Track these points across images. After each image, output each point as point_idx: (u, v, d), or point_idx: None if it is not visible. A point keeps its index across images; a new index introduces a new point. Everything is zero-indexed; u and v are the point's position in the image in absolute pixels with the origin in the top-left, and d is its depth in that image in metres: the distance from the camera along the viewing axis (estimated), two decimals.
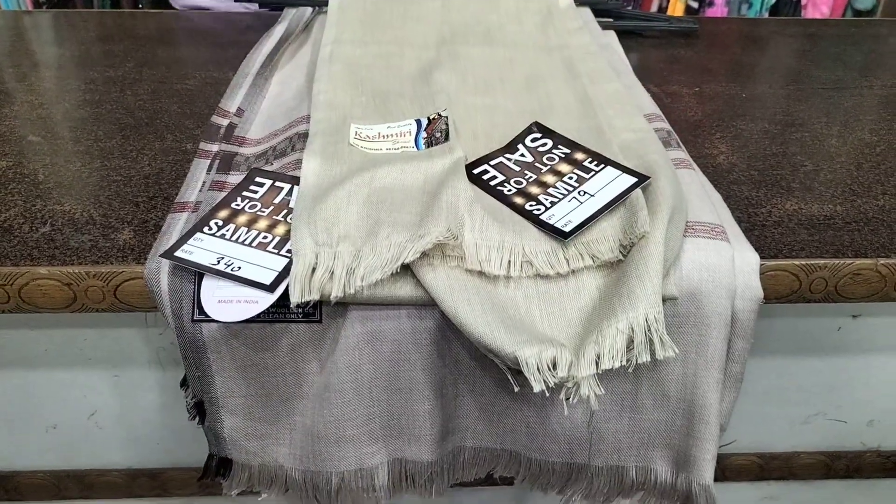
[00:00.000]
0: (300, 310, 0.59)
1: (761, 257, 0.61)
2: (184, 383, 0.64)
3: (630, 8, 1.96)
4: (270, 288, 0.56)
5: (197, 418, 0.65)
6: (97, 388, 0.75)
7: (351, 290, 0.54)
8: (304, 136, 0.72)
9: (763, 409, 0.81)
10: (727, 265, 0.59)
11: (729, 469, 0.85)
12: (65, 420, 0.78)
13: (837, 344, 0.76)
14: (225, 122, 0.79)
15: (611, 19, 1.07)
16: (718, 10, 2.00)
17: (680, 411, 0.62)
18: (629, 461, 0.65)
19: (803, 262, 0.62)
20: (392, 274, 0.55)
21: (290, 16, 1.03)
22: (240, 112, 0.81)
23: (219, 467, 0.66)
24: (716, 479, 0.85)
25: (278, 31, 0.99)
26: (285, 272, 0.57)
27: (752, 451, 0.84)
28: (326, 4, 1.01)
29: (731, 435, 0.83)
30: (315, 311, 0.59)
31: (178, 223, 0.64)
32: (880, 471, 0.86)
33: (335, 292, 0.54)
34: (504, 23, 0.97)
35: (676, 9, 2.03)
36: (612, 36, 1.03)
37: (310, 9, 1.04)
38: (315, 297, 0.54)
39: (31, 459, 0.81)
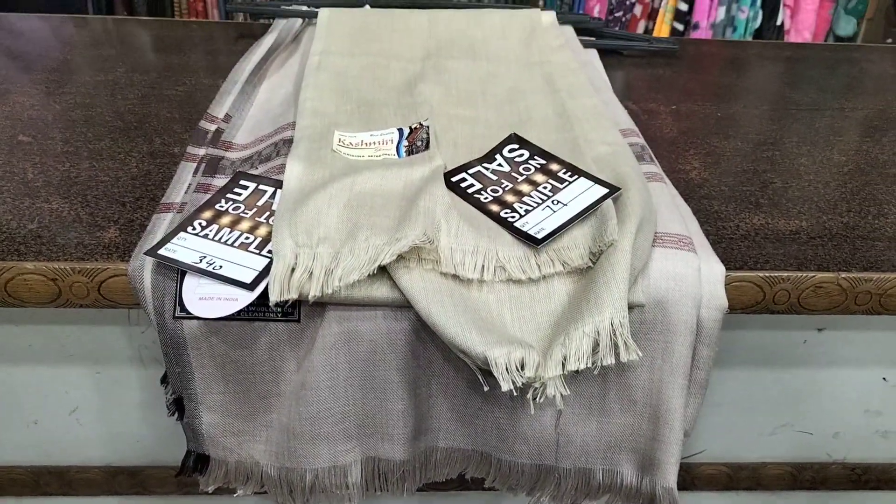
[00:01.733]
0: (279, 309, 0.60)
1: (728, 269, 0.63)
2: (164, 380, 0.66)
3: (616, 28, 2.00)
4: (251, 286, 0.58)
5: (176, 414, 0.66)
6: (79, 384, 0.76)
7: (329, 290, 0.56)
8: (290, 142, 0.74)
9: (732, 420, 0.83)
10: (693, 275, 0.61)
11: (698, 478, 0.87)
12: (46, 416, 0.79)
13: (803, 357, 0.78)
14: (213, 127, 0.81)
15: (593, 38, 1.10)
16: (703, 33, 2.04)
17: (646, 416, 0.64)
18: (596, 464, 0.67)
19: (767, 274, 0.64)
20: (369, 275, 0.57)
21: (281, 26, 1.05)
22: (227, 118, 0.83)
23: (196, 463, 0.68)
24: (685, 488, 0.87)
25: (268, 40, 1.01)
26: (266, 272, 0.59)
27: (720, 461, 0.86)
28: (316, 17, 1.03)
29: (701, 444, 0.85)
30: (294, 311, 0.61)
31: (163, 223, 0.65)
32: (846, 483, 0.88)
33: (313, 292, 0.56)
34: (488, 38, 1.00)
35: (662, 31, 2.08)
36: (593, 54, 1.06)
37: (300, 20, 1.06)
38: (293, 296, 0.56)
39: (11, 455, 0.82)
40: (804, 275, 0.64)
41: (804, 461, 0.87)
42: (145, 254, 0.60)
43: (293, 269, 0.57)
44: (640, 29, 2.09)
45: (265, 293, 0.57)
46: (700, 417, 0.81)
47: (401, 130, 0.75)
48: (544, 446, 0.66)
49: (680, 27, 2.06)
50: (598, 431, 0.66)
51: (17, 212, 0.67)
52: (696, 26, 2.04)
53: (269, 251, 0.60)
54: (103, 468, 0.83)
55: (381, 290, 0.59)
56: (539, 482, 0.68)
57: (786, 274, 0.64)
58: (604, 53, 1.08)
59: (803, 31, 2.14)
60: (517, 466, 0.67)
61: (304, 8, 1.07)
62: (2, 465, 0.82)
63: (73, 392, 0.77)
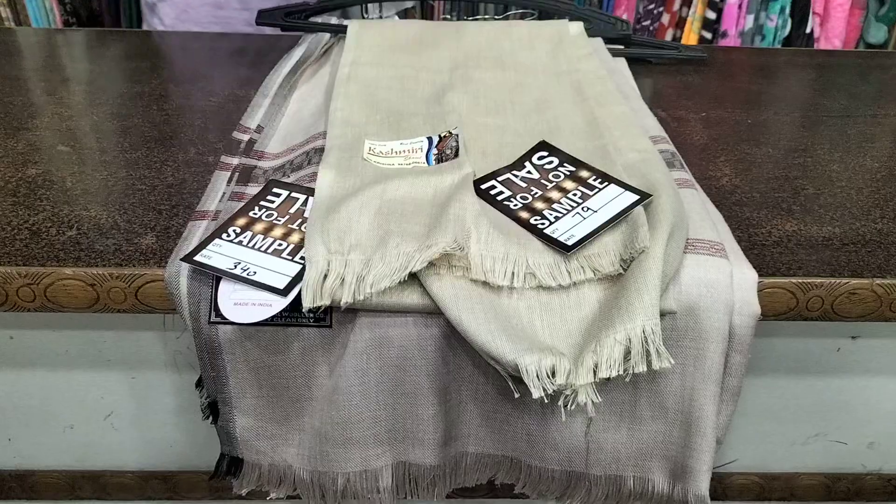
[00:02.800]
0: (312, 315, 0.61)
1: (760, 275, 0.63)
2: (199, 384, 0.67)
3: (644, 36, 1.99)
4: (283, 292, 0.59)
5: (210, 418, 0.67)
6: (114, 389, 0.78)
7: (360, 297, 0.57)
8: (321, 151, 0.74)
9: (764, 429, 0.82)
10: (726, 281, 0.61)
11: (730, 489, 0.86)
12: (82, 421, 0.80)
13: (837, 365, 0.77)
14: (245, 137, 0.82)
15: (622, 46, 1.10)
16: (731, 41, 2.03)
17: (677, 423, 0.64)
18: (627, 471, 0.67)
19: (800, 281, 0.63)
20: (400, 282, 0.57)
21: (309, 40, 1.07)
22: (259, 129, 0.84)
23: (230, 467, 0.69)
24: (717, 499, 0.87)
25: (297, 53, 1.02)
26: (298, 278, 0.59)
27: (753, 471, 0.85)
28: (345, 31, 1.05)
29: (733, 454, 0.84)
30: (326, 316, 0.62)
31: (198, 230, 0.66)
32: (881, 494, 0.87)
33: (345, 298, 0.56)
34: (516, 49, 1.00)
35: (690, 39, 2.07)
36: (621, 62, 1.06)
37: (328, 35, 1.08)
38: (326, 302, 0.56)
39: (47, 459, 0.83)
40: (838, 281, 0.64)
41: (838, 472, 0.86)
42: (181, 260, 0.61)
43: (325, 276, 0.57)
44: (668, 37, 2.08)
45: (298, 299, 0.58)
46: (731, 426, 0.80)
47: (430, 139, 0.76)
48: (574, 453, 0.66)
49: (708, 35, 2.04)
50: (628, 438, 0.66)
51: (56, 219, 0.68)
52: (724, 34, 2.03)
53: (302, 257, 0.61)
54: (137, 473, 0.84)
55: (412, 297, 0.59)
56: (569, 489, 0.68)
57: (819, 280, 0.64)
58: (632, 62, 1.08)
59: (833, 38, 2.12)
60: (547, 472, 0.67)
61: (334, 20, 1.09)
62: (38, 470, 0.84)
63: (109, 397, 0.78)
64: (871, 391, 0.79)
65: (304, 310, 0.57)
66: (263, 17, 1.11)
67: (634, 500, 0.68)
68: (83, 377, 0.77)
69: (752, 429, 0.82)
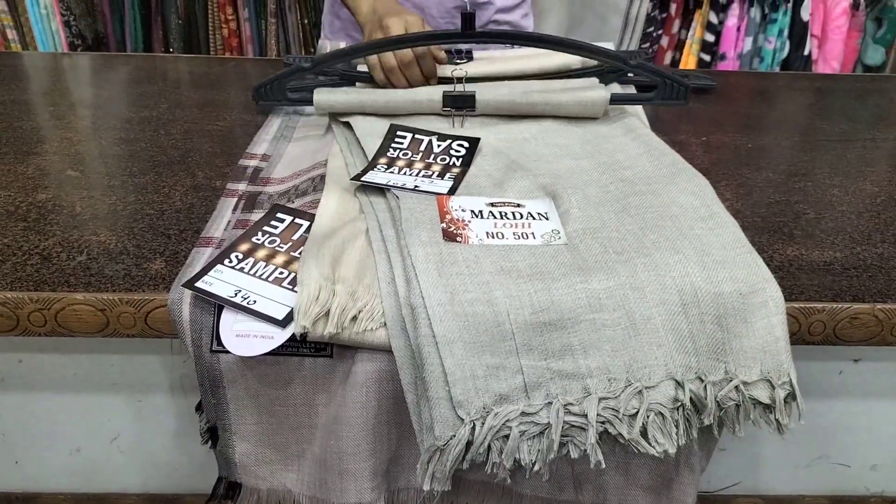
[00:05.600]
0: (312, 344, 0.61)
1: None
2: (199, 408, 0.67)
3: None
4: (282, 323, 0.59)
5: (210, 443, 0.67)
6: (121, 412, 0.78)
7: (346, 336, 0.58)
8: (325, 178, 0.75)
9: (766, 452, 0.82)
10: None
11: None
12: (88, 443, 0.81)
13: (839, 388, 0.78)
14: (252, 163, 0.83)
15: (631, 74, 1.09)
16: (730, 64, 2.05)
17: (666, 458, 0.64)
18: (613, 499, 0.67)
19: (802, 306, 0.64)
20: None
21: None
22: (266, 157, 0.85)
23: (227, 490, 0.69)
24: None
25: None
26: None
27: (755, 493, 0.85)
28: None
29: (735, 477, 0.84)
30: (326, 346, 0.62)
31: (202, 257, 0.67)
32: None
33: (328, 328, 0.57)
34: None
35: (689, 62, 2.08)
36: (630, 89, 1.06)
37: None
38: (308, 324, 0.57)
39: (54, 481, 0.84)
40: (839, 306, 0.64)
41: (841, 494, 0.86)
42: (182, 285, 0.61)
43: (317, 298, 0.58)
44: (667, 60, 2.10)
45: None
46: (734, 449, 0.81)
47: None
48: (565, 481, 0.66)
49: (707, 58, 2.07)
50: (616, 470, 0.66)
51: (66, 244, 0.69)
52: (722, 57, 2.05)
53: None
54: (142, 495, 0.84)
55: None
56: None
57: (821, 305, 0.64)
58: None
59: (831, 60, 2.14)
60: (537, 500, 0.68)
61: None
62: (44, 492, 0.84)
63: (115, 420, 0.79)
64: (873, 414, 0.79)
65: (296, 333, 0.57)
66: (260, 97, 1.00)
67: None
68: (90, 400, 0.77)
69: (754, 451, 0.82)
